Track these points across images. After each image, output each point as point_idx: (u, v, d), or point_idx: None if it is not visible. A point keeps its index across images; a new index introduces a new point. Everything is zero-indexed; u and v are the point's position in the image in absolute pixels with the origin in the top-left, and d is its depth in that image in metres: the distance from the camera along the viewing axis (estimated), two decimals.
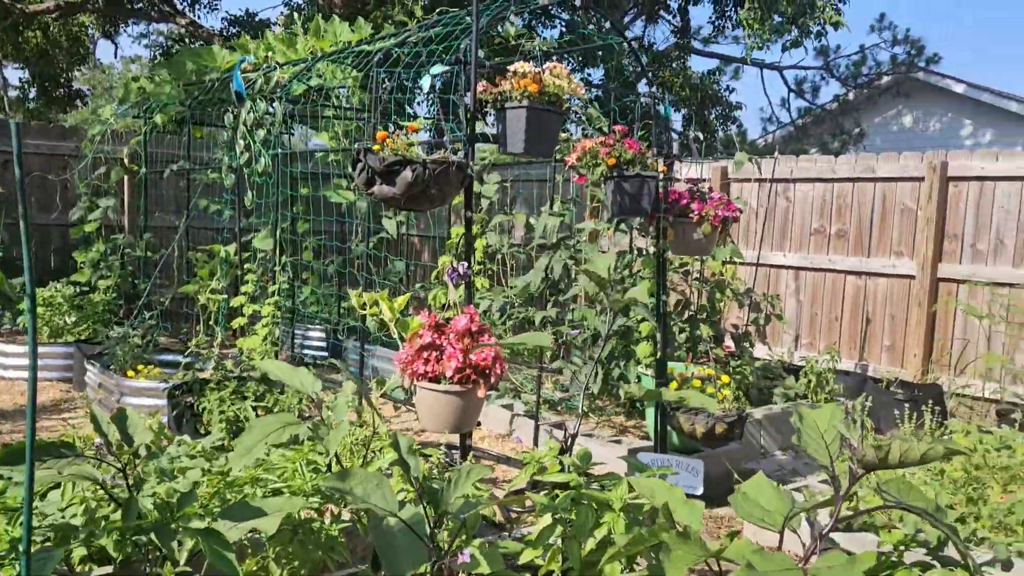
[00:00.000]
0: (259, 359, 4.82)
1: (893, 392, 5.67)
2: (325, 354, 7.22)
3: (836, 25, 8.79)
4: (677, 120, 13.04)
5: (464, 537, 2.15)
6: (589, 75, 11.89)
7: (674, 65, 12.31)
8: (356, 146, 3.31)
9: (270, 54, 5.66)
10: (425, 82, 3.40)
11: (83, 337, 6.42)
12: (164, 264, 6.69)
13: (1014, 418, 5.02)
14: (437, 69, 3.41)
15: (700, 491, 4.35)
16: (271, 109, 5.05)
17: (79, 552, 2.64)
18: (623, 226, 5.37)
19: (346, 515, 2.93)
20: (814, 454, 1.69)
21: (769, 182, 7.16)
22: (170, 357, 5.85)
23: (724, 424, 4.18)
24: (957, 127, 14.31)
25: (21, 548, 1.86)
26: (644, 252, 5.44)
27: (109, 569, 2.78)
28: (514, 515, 3.82)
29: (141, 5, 12.09)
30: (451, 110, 4.52)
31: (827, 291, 6.90)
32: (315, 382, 2.28)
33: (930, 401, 4.78)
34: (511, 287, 5.39)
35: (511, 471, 4.71)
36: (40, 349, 6.33)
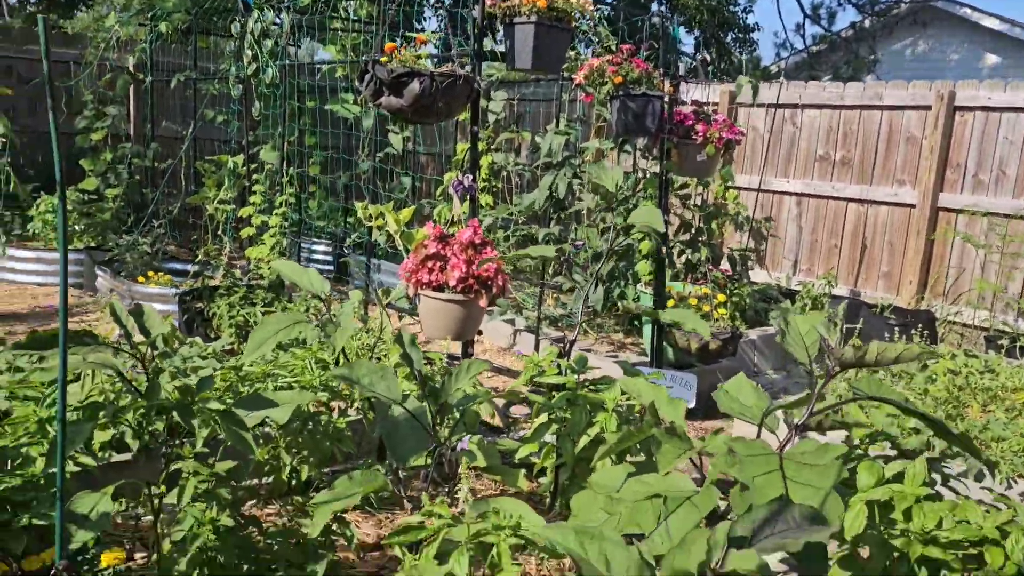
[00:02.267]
0: (266, 268, 4.93)
1: (886, 318, 5.79)
2: (331, 268, 7.33)
3: None
4: (689, 44, 12.81)
5: (463, 431, 2.29)
6: None
7: None
8: (364, 57, 3.33)
9: None
10: None
11: (92, 244, 6.52)
12: (171, 174, 6.73)
13: (1001, 344, 5.16)
14: None
15: (692, 404, 4.52)
16: (278, 19, 5.02)
17: (100, 438, 2.80)
18: (627, 147, 5.39)
19: (352, 414, 3.08)
20: (794, 353, 1.81)
21: (776, 107, 7.12)
22: (179, 266, 5.97)
23: (718, 341, 4.31)
24: (975, 58, 14.04)
25: (56, 420, 2.00)
26: (647, 173, 5.48)
27: (128, 456, 2.96)
28: (511, 420, 4.00)
29: None
30: (459, 25, 4.51)
31: (828, 218, 6.95)
32: (324, 283, 2.38)
33: (919, 326, 4.90)
34: (515, 204, 5.46)
35: (511, 381, 4.88)
36: (51, 255, 6.44)
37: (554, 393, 2.68)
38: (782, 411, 1.98)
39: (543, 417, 2.60)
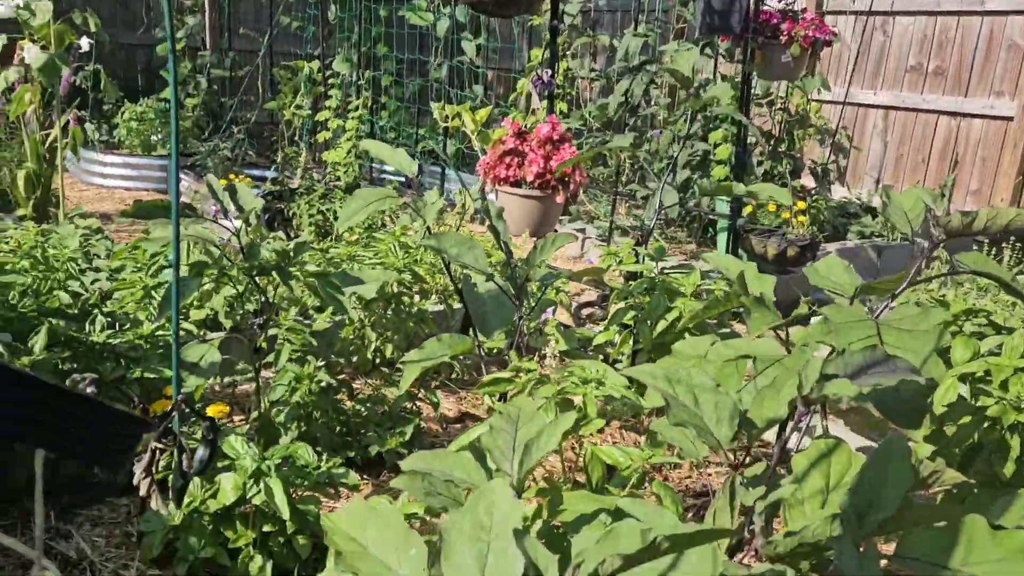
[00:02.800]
0: (343, 172, 5.01)
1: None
2: (402, 178, 7.39)
3: None
4: None
5: (546, 307, 2.32)
6: None
7: None
8: None
9: None
10: None
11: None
12: (248, 83, 6.82)
13: None
14: None
15: None
16: None
17: (195, 316, 2.94)
18: (708, 51, 5.23)
19: (433, 300, 3.15)
20: (897, 224, 1.77)
21: (866, 15, 6.77)
22: (257, 172, 6.10)
23: (796, 247, 4.23)
24: None
25: (171, 267, 2.10)
26: (727, 79, 5.32)
27: (221, 334, 3.10)
28: (583, 321, 4.03)
29: None
30: None
31: (917, 132, 6.66)
32: (412, 163, 2.41)
33: (1011, 238, 4.71)
34: (589, 112, 5.38)
35: (582, 288, 4.90)
36: (136, 161, 6.65)
37: (631, 284, 2.69)
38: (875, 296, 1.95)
39: (620, 304, 2.62)
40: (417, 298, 2.89)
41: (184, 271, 2.90)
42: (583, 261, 5.48)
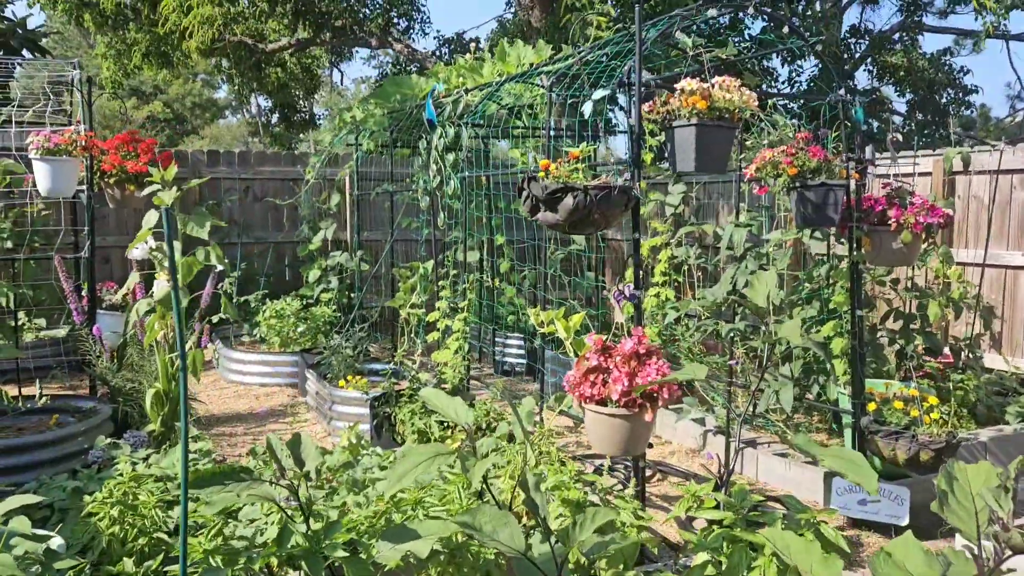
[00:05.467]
0: (450, 372, 5.08)
1: None
2: (524, 361, 7.44)
3: None
4: (902, 104, 11.93)
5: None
6: (800, 67, 11.18)
7: (897, 47, 11.25)
8: (520, 175, 3.41)
9: (461, 79, 5.94)
10: (587, 108, 3.41)
11: (307, 347, 7.11)
12: (374, 278, 7.23)
13: None
14: (599, 94, 3.41)
15: (905, 521, 3.99)
16: (462, 134, 5.31)
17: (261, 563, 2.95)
18: (818, 233, 5.04)
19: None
20: (959, 524, 1.52)
21: (999, 174, 6.38)
22: (378, 367, 6.32)
23: (930, 451, 3.80)
24: None
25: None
26: (842, 260, 5.07)
27: None
28: (681, 543, 3.74)
29: (363, 35, 13.14)
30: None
31: None
32: (468, 412, 2.38)
33: None
34: (699, 298, 5.25)
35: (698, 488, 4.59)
36: (272, 358, 7.09)
37: (714, 528, 2.47)
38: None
39: (701, 556, 2.39)
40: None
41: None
42: (702, 455, 5.18)
